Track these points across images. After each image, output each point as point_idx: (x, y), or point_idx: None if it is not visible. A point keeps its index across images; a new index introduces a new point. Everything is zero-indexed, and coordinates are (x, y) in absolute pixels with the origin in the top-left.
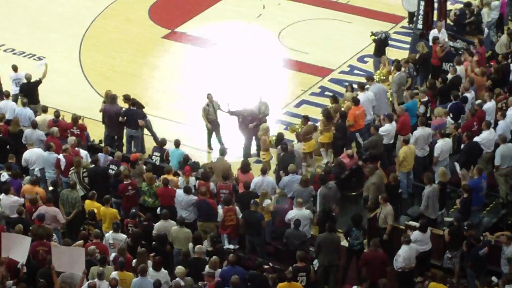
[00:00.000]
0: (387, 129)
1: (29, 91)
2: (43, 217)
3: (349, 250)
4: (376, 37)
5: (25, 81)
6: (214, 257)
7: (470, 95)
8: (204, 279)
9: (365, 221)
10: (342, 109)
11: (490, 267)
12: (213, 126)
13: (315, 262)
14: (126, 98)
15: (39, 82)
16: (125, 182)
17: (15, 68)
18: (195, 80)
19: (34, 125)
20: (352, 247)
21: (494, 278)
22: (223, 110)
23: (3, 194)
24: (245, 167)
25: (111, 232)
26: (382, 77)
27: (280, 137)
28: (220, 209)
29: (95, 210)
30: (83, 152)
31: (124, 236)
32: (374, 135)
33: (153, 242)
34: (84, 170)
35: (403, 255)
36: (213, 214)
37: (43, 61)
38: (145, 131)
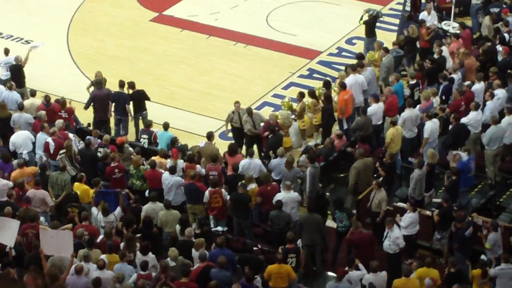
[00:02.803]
0: (373, 109)
1: (14, 75)
2: (29, 199)
3: (336, 232)
4: (368, 14)
5: (14, 63)
6: (199, 238)
7: (456, 76)
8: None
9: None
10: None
11: (475, 247)
12: (236, 134)
13: (299, 242)
14: (130, 86)
15: (21, 66)
16: (112, 165)
17: (6, 52)
18: (183, 63)
19: (21, 108)
20: (337, 228)
21: (483, 257)
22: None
23: None
24: (232, 150)
25: (101, 215)
26: (371, 59)
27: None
28: (206, 191)
29: (80, 192)
30: (72, 136)
31: (114, 217)
32: (361, 117)
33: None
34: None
35: (401, 236)
36: (202, 197)
37: (36, 43)
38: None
